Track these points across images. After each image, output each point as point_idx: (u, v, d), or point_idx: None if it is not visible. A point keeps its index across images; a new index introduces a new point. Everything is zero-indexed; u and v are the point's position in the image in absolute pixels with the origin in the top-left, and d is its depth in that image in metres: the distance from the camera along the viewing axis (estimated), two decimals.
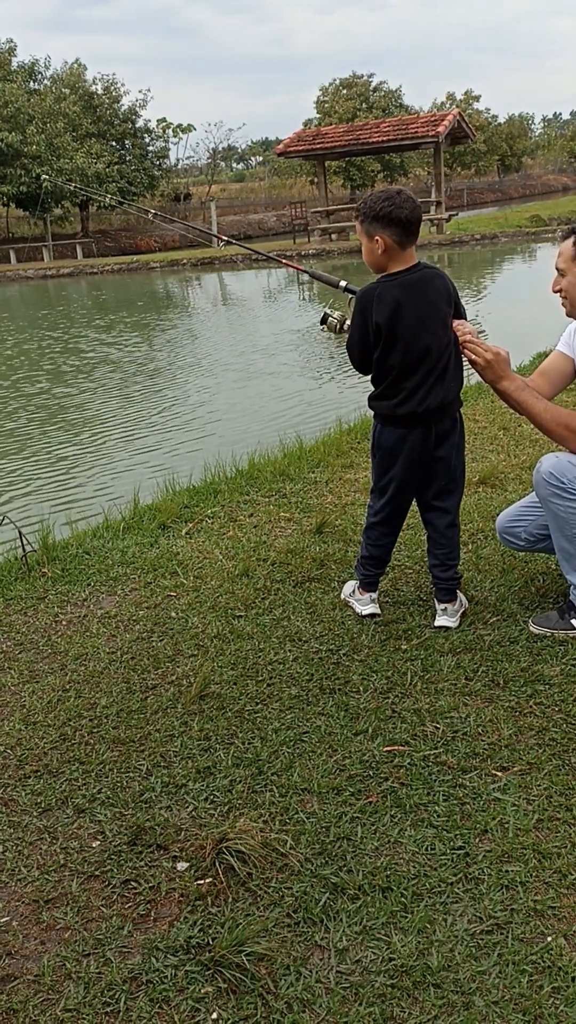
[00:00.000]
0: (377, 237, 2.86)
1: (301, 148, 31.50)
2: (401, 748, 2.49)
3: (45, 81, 40.94)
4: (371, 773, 2.40)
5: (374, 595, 3.28)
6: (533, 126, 71.01)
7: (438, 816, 2.22)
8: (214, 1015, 1.74)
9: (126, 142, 42.75)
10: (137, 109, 42.70)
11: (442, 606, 3.16)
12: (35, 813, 2.35)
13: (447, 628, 3.11)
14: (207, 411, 9.12)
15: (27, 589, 3.77)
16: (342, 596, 3.39)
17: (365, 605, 3.26)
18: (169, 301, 22.25)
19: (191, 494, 4.90)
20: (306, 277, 24.72)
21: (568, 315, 3.02)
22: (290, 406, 8.93)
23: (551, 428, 2.96)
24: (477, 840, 2.14)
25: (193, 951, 1.88)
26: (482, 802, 2.26)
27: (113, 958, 1.88)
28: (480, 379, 3.05)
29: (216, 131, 71.19)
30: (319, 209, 32.44)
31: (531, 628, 3.07)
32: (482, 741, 2.50)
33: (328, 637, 3.14)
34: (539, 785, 2.31)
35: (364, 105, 49.21)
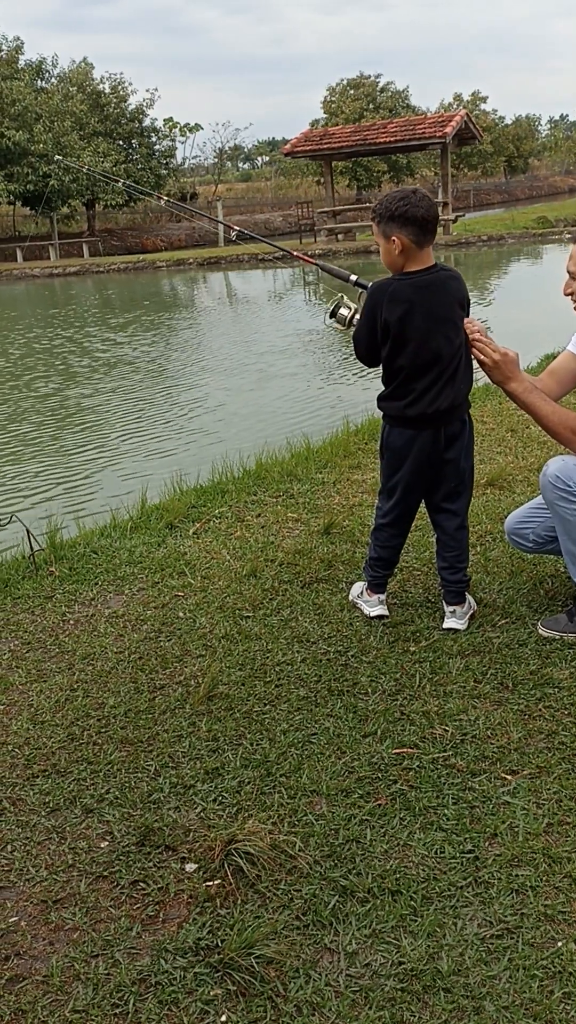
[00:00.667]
0: (394, 237, 2.84)
1: (308, 148, 31.50)
2: (410, 751, 2.48)
3: (52, 80, 40.95)
4: (380, 775, 2.39)
5: (382, 596, 3.28)
6: (540, 127, 70.88)
7: (447, 819, 2.21)
8: (223, 1017, 1.74)
9: (133, 141, 42.75)
10: (144, 108, 42.72)
11: (450, 608, 3.15)
12: (43, 813, 2.35)
13: (456, 630, 3.10)
14: (214, 411, 9.12)
15: (35, 588, 3.77)
16: (350, 597, 3.39)
17: (373, 607, 3.26)
18: (175, 301, 22.26)
19: (198, 494, 4.89)
20: (312, 277, 24.60)
21: None
22: (297, 407, 8.92)
23: (558, 431, 2.95)
24: (487, 844, 2.13)
25: (202, 953, 1.88)
26: (491, 806, 2.25)
27: (122, 959, 1.88)
28: (488, 380, 3.04)
29: (223, 131, 71.21)
30: (325, 209, 32.42)
31: (540, 631, 3.06)
32: (491, 744, 2.50)
33: (336, 638, 3.14)
34: (549, 789, 2.30)
35: (371, 105, 49.16)
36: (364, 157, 40.94)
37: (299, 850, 2.13)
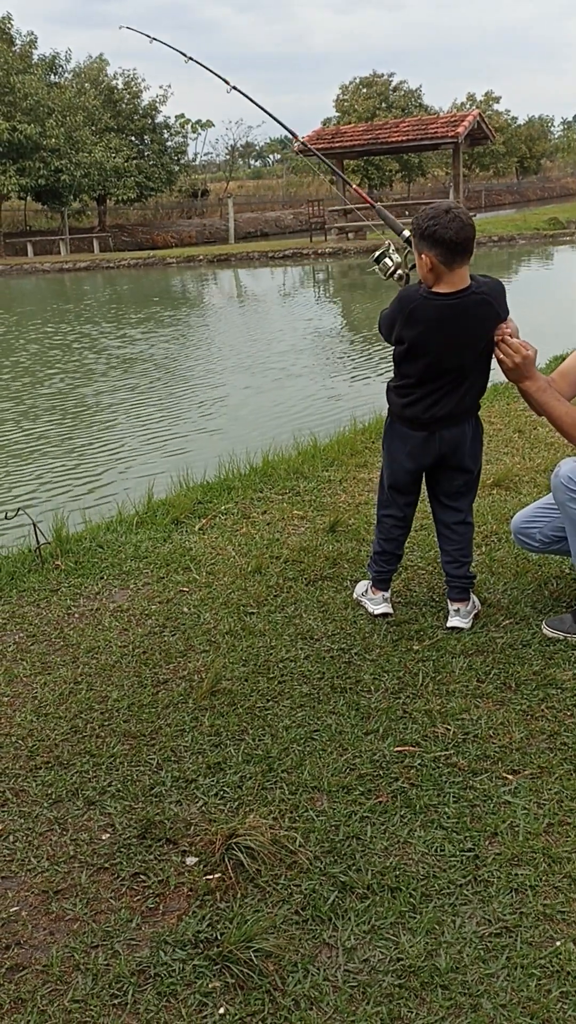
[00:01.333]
0: (424, 255, 2.81)
1: (320, 146, 31.43)
2: (412, 749, 2.49)
3: (66, 75, 40.97)
4: (381, 773, 2.40)
5: (387, 594, 3.28)
6: (553, 128, 70.62)
7: (448, 818, 2.22)
8: (221, 1010, 1.75)
9: (145, 137, 42.74)
10: (157, 105, 42.72)
11: (455, 607, 3.15)
12: (45, 804, 2.36)
13: (459, 629, 3.11)
14: (222, 408, 9.13)
15: (40, 581, 3.78)
16: (354, 595, 3.39)
17: (378, 604, 3.26)
18: (185, 297, 22.27)
19: (205, 490, 4.90)
20: (322, 275, 24.51)
21: None
22: (305, 404, 8.93)
23: (571, 431, 2.95)
24: (487, 843, 2.14)
25: (201, 946, 1.89)
26: (492, 805, 2.26)
27: (121, 950, 1.89)
28: (498, 379, 3.05)
29: (235, 128, 71.14)
30: (336, 208, 32.39)
31: (544, 631, 3.06)
32: (493, 744, 2.50)
33: (340, 636, 3.14)
34: (550, 789, 2.30)
35: (384, 104, 49.09)
36: (376, 156, 40.89)
37: (299, 845, 2.13)
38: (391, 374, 3.09)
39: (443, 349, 2.87)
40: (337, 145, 31.14)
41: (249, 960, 1.82)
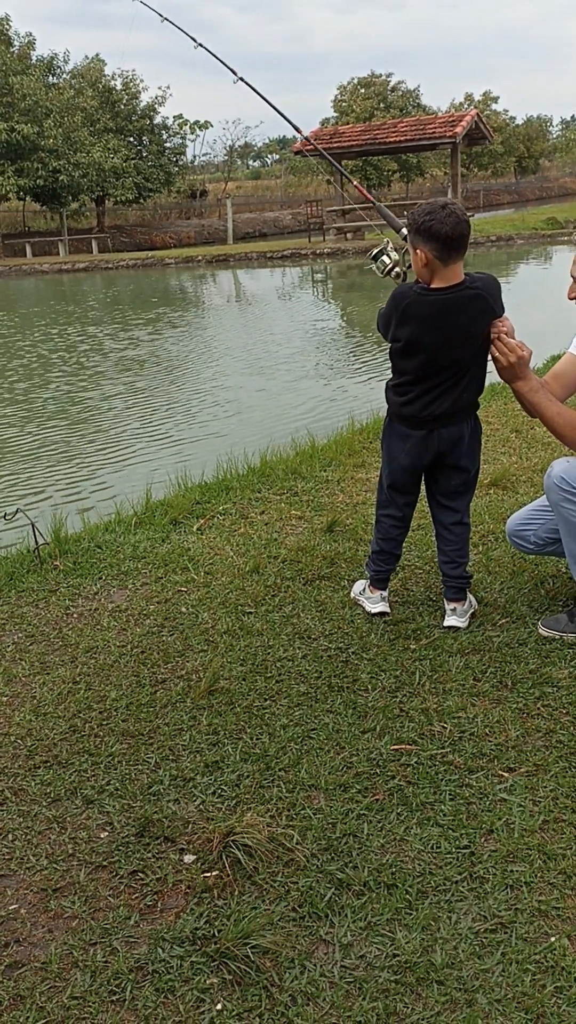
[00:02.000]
0: (419, 250, 2.83)
1: (319, 147, 31.46)
2: (408, 747, 2.50)
3: (64, 75, 40.97)
4: (378, 771, 2.41)
5: (384, 593, 3.30)
6: (551, 128, 70.63)
7: (444, 815, 2.23)
8: (219, 1006, 1.76)
9: (144, 138, 42.76)
10: (155, 106, 42.73)
11: (451, 606, 3.17)
12: (44, 803, 2.37)
13: (456, 628, 3.12)
14: (220, 409, 9.15)
15: (39, 582, 3.79)
16: (352, 595, 3.41)
17: (375, 603, 3.28)
18: (184, 298, 22.29)
19: (203, 490, 4.92)
20: (320, 275, 24.47)
21: None
22: (303, 405, 8.94)
23: (564, 432, 2.96)
24: (483, 840, 2.15)
25: (199, 942, 1.90)
26: (488, 802, 2.27)
27: (120, 947, 1.91)
28: (494, 379, 3.06)
29: (233, 128, 71.19)
30: (335, 208, 32.41)
31: (540, 630, 3.08)
32: (489, 742, 2.51)
33: (337, 635, 3.16)
34: (545, 787, 2.32)
35: (382, 104, 49.10)
36: (374, 156, 40.91)
37: (296, 843, 2.15)
38: (389, 374, 3.11)
39: (439, 344, 2.88)
40: (335, 145, 31.13)
41: (246, 956, 1.84)
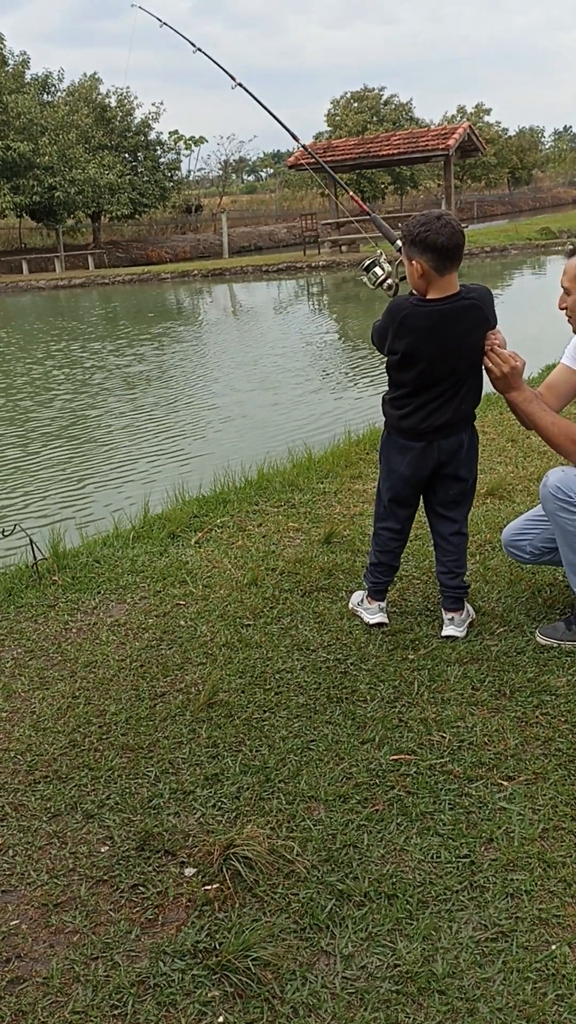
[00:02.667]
0: (415, 261, 2.84)
1: (312, 161, 31.64)
2: (407, 757, 2.51)
3: (59, 93, 41.24)
4: (377, 781, 2.42)
5: (382, 604, 3.30)
6: (543, 139, 71.16)
7: (444, 825, 2.24)
8: (220, 1019, 1.76)
9: (139, 154, 43.02)
10: (150, 122, 43.00)
11: (449, 615, 3.17)
12: (44, 818, 2.38)
13: (454, 638, 3.13)
14: (216, 422, 9.17)
15: (38, 597, 3.80)
16: (350, 606, 3.41)
17: (373, 614, 3.28)
18: (180, 312, 22.36)
19: (200, 504, 4.93)
20: (316, 288, 24.56)
21: (575, 332, 3.04)
22: (299, 417, 8.96)
23: (558, 441, 2.98)
24: (483, 849, 2.16)
25: (200, 956, 1.90)
26: (488, 811, 2.28)
27: (121, 962, 1.91)
28: (489, 389, 3.07)
29: (228, 143, 71.59)
30: (329, 221, 32.60)
31: (538, 639, 3.08)
32: (488, 751, 2.52)
33: (336, 646, 3.16)
34: (545, 795, 2.32)
35: (375, 118, 49.44)
36: (368, 169, 41.14)
37: (297, 855, 2.15)
38: (385, 386, 3.12)
39: (436, 356, 2.89)
40: (329, 159, 31.28)
41: (247, 969, 1.84)
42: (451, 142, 28.89)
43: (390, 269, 3.19)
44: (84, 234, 43.69)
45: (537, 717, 2.66)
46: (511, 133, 61.10)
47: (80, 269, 35.96)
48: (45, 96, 40.07)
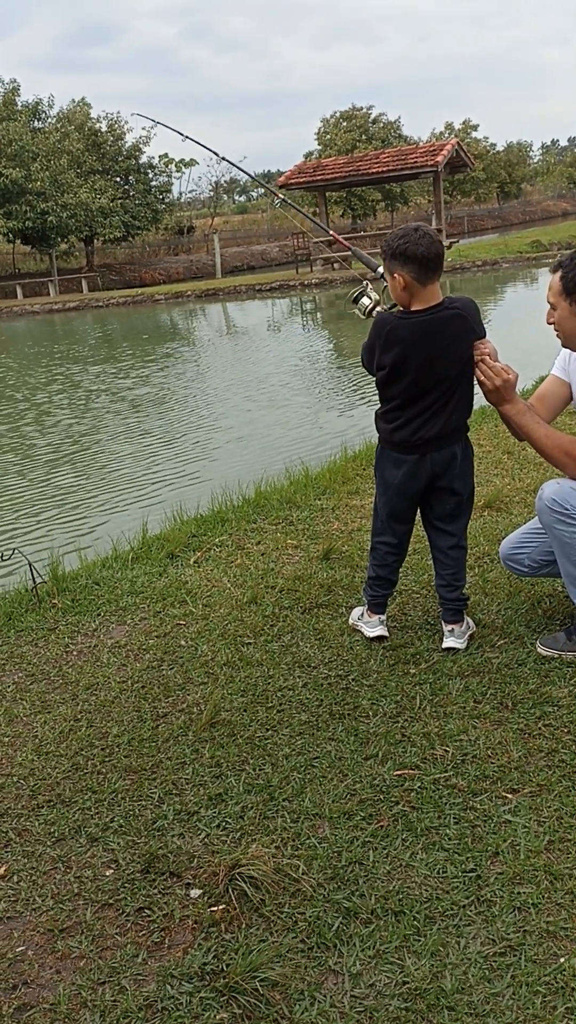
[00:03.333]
0: (396, 274, 2.87)
1: (302, 180, 31.88)
2: (411, 772, 2.50)
3: (50, 120, 41.56)
4: (382, 797, 2.41)
5: (382, 617, 3.31)
6: (532, 153, 71.71)
7: (449, 839, 2.23)
8: None
9: (130, 177, 43.33)
10: (140, 146, 43.32)
11: (448, 628, 3.18)
12: (49, 843, 2.37)
13: (454, 650, 3.13)
14: (213, 441, 9.19)
15: (38, 620, 3.80)
16: (350, 621, 3.42)
17: (373, 627, 3.28)
18: (175, 333, 22.45)
19: (199, 523, 4.94)
20: (309, 306, 24.70)
21: (564, 346, 3.06)
22: (295, 434, 8.99)
23: (552, 453, 2.99)
24: (489, 862, 2.15)
25: (208, 978, 1.89)
26: (493, 824, 2.27)
27: (128, 986, 1.89)
28: (484, 402, 3.09)
29: (218, 165, 72.03)
30: (321, 239, 32.76)
31: (539, 650, 3.08)
32: (492, 763, 2.51)
33: (337, 663, 3.16)
34: (549, 806, 2.32)
35: (364, 136, 49.81)
36: (357, 187, 41.43)
37: (303, 873, 2.14)
38: (379, 403, 3.14)
39: (423, 366, 2.91)
40: (319, 178, 31.56)
41: (255, 990, 1.83)
42: (440, 158, 29.12)
43: (377, 297, 3.24)
44: (77, 258, 43.95)
45: (540, 728, 2.66)
46: (499, 148, 61.59)
47: (74, 292, 36.15)
48: (36, 122, 40.38)
